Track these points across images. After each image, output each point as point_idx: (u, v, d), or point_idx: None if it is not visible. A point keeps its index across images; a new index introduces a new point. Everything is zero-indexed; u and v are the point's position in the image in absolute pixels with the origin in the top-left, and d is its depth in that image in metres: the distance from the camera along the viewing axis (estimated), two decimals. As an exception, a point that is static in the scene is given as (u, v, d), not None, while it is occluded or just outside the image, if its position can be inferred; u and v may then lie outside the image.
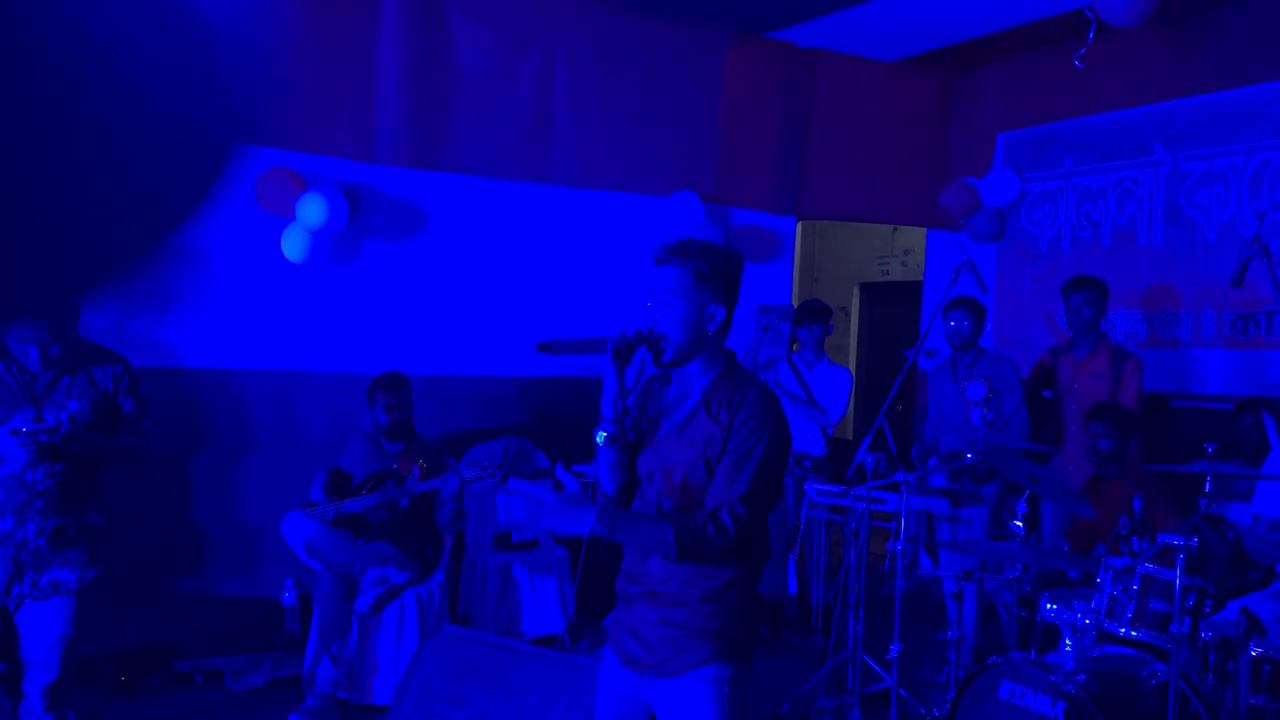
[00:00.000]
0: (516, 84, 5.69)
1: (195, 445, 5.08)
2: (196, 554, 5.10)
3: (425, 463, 4.73)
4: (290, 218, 4.99)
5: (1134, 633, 3.26)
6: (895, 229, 9.11)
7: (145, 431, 3.46)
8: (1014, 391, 5.01)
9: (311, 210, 4.90)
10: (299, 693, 4.34)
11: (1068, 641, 3.40)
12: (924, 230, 7.41)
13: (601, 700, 2.60)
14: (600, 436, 2.42)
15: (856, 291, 10.02)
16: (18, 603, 3.19)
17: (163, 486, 4.92)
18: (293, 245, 5.01)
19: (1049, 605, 3.47)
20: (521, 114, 5.72)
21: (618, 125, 6.00)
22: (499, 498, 5.24)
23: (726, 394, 2.40)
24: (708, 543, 2.29)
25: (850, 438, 8.37)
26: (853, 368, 9.73)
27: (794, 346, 5.85)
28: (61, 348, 3.25)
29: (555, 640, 5.16)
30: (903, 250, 9.28)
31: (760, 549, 2.47)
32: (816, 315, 5.63)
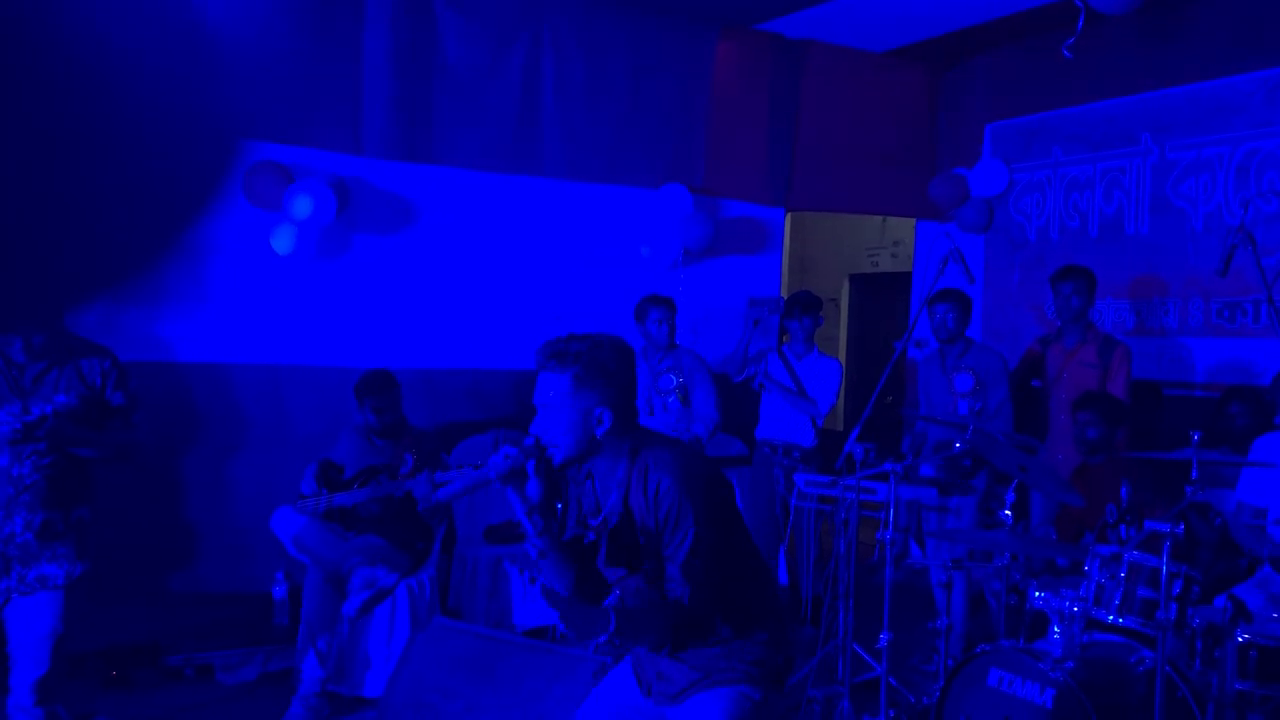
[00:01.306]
0: (504, 77, 5.68)
1: (185, 439, 5.07)
2: (187, 548, 5.08)
3: (418, 454, 4.72)
4: (278, 211, 4.97)
5: (1122, 620, 3.28)
6: (885, 220, 9.12)
7: (136, 425, 3.44)
8: (1000, 384, 5.03)
9: (300, 204, 4.88)
10: (290, 687, 4.34)
11: (1056, 629, 3.42)
12: (914, 221, 7.42)
13: (603, 698, 2.58)
14: (530, 552, 2.37)
15: (846, 283, 10.04)
16: (5, 598, 3.17)
17: (153, 480, 4.90)
18: (281, 239, 5.00)
19: (1037, 593, 3.49)
20: (509, 107, 5.71)
21: (606, 117, 5.99)
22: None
23: (640, 483, 2.35)
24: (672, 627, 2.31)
25: (841, 429, 8.39)
26: (843, 359, 9.74)
27: (784, 338, 5.86)
28: (45, 338, 3.23)
29: (547, 632, 5.16)
30: (892, 241, 9.29)
31: (753, 596, 2.47)
32: (806, 307, 5.63)
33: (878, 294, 9.77)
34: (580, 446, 2.36)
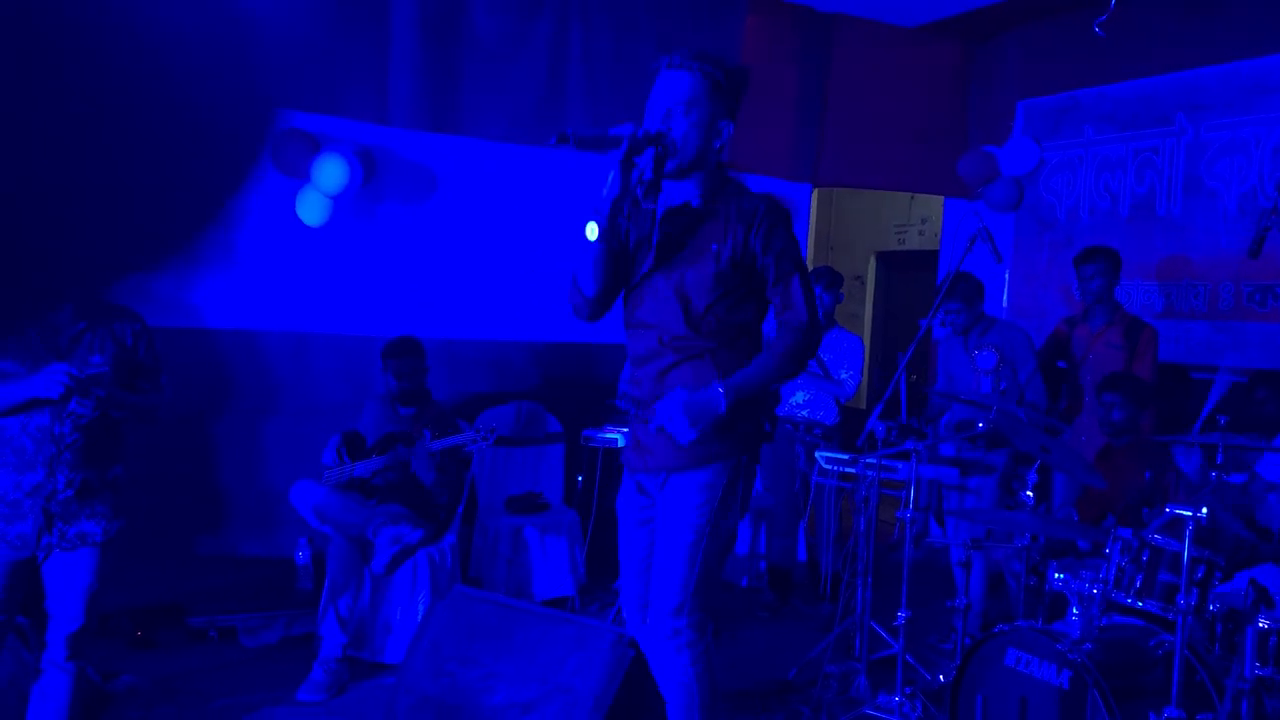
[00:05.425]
0: (531, 48, 5.65)
1: (214, 405, 5.12)
2: (213, 512, 5.15)
3: (436, 429, 4.75)
4: (305, 179, 4.99)
5: (1141, 603, 3.26)
6: (913, 197, 9.05)
7: (164, 386, 3.51)
8: (1027, 360, 4.99)
9: (327, 173, 4.89)
10: (312, 651, 4.39)
11: (1075, 611, 3.41)
12: (942, 199, 7.35)
13: (625, 535, 2.68)
14: (591, 229, 2.42)
15: (873, 260, 9.98)
16: (46, 553, 3.25)
17: (180, 445, 4.96)
18: (308, 207, 5.01)
19: (1057, 575, 3.47)
20: (536, 78, 5.69)
21: (632, 89, 5.92)
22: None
23: (736, 204, 2.42)
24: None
25: (864, 406, 8.36)
26: (869, 337, 9.72)
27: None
28: (81, 301, 3.30)
29: (565, 603, 5.20)
30: (920, 219, 9.23)
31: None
32: (828, 284, 5.60)
33: (905, 271, 9.71)
34: (698, 153, 2.41)
